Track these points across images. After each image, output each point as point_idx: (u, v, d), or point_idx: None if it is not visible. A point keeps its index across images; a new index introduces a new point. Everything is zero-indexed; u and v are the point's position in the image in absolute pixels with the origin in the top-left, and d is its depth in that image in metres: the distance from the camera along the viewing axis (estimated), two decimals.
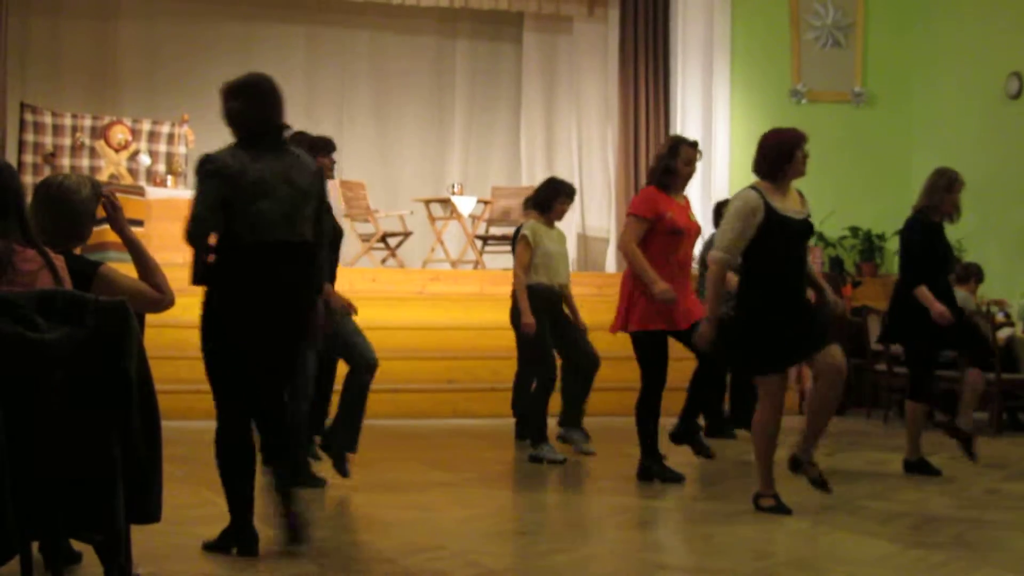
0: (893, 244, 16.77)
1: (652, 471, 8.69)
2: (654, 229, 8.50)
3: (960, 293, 12.20)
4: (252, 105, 6.13)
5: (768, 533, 6.88)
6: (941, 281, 9.34)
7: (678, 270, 8.57)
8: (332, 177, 8.43)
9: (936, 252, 9.29)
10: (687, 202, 8.91)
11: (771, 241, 7.29)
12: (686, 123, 17.51)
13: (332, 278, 8.22)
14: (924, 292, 9.13)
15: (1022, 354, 12.58)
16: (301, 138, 8.88)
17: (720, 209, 11.62)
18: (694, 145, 8.83)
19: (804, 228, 7.47)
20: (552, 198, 10.01)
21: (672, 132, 17.67)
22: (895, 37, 17.39)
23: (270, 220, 6.01)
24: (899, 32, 17.38)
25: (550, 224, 10.05)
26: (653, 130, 17.84)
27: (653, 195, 8.64)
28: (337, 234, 8.43)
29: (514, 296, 10.01)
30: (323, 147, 8.30)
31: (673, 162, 8.68)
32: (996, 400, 11.90)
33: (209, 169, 6.01)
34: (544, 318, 9.72)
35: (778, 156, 7.40)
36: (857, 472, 9.44)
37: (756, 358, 7.36)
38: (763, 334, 7.28)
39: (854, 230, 16.79)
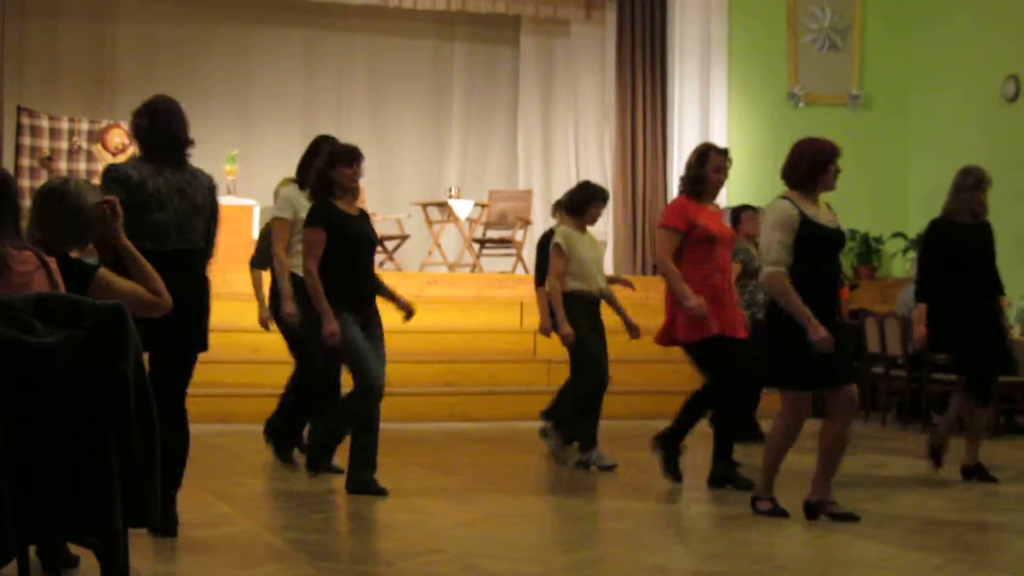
0: (890, 247, 16.81)
1: (668, 463, 8.67)
2: (688, 238, 8.37)
3: None
4: (156, 123, 6.54)
5: (767, 536, 6.88)
6: (970, 283, 9.10)
7: (719, 277, 8.44)
8: (352, 186, 8.31)
9: (962, 253, 9.07)
10: (719, 209, 8.78)
11: (805, 251, 7.13)
12: (683, 126, 17.52)
13: (369, 282, 8.22)
14: (920, 310, 9.04)
15: (1020, 357, 12.57)
16: (326, 143, 8.88)
17: (738, 215, 11.42)
18: (724, 152, 8.63)
19: (838, 238, 7.34)
20: (586, 202, 9.78)
21: (669, 135, 17.72)
22: (892, 40, 17.40)
23: (165, 230, 6.44)
24: (896, 35, 17.39)
25: (582, 229, 9.81)
26: (650, 133, 17.85)
27: (684, 204, 8.51)
28: (372, 240, 8.39)
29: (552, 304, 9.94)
30: (346, 156, 8.21)
31: (703, 170, 8.49)
32: (993, 403, 11.89)
33: (113, 176, 6.47)
34: (586, 322, 9.59)
35: (812, 167, 7.27)
36: (855, 475, 9.43)
37: (783, 372, 7.22)
38: (792, 348, 7.09)
39: (851, 233, 16.80)
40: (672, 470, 8.71)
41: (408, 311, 8.67)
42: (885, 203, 16.83)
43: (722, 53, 17.31)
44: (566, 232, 9.73)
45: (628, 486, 8.73)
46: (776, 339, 7.22)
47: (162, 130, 6.51)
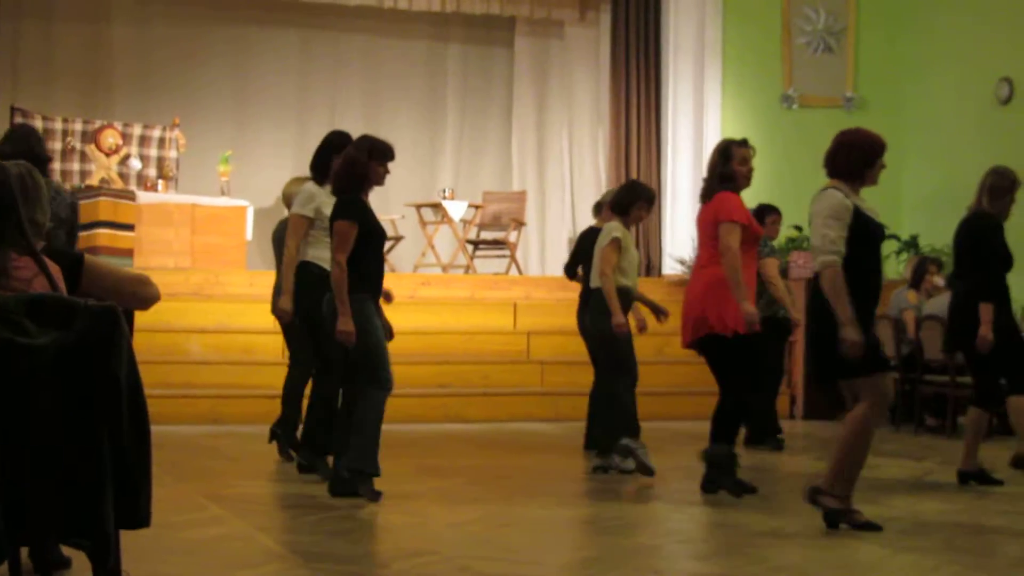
0: (884, 249, 16.80)
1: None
2: (742, 237, 8.15)
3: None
4: (16, 146, 7.16)
5: (761, 539, 6.87)
6: (1004, 284, 8.96)
7: (751, 278, 8.27)
8: (382, 184, 8.37)
9: (1003, 254, 8.93)
10: None
11: (860, 244, 6.97)
12: (677, 128, 17.53)
13: (380, 281, 8.19)
14: (987, 310, 8.84)
15: None
16: (340, 138, 8.90)
17: (761, 216, 11.19)
18: (744, 143, 8.40)
19: (883, 232, 7.21)
20: (630, 203, 9.54)
21: (663, 137, 17.72)
22: (886, 42, 17.41)
23: None
24: (890, 37, 17.40)
25: (628, 228, 9.61)
26: (644, 135, 17.85)
27: (739, 200, 8.26)
28: (380, 235, 8.35)
29: (583, 298, 9.83)
30: (386, 154, 8.26)
31: (729, 167, 8.26)
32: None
33: None
34: (629, 320, 9.46)
35: (861, 159, 7.13)
36: None
37: (868, 359, 6.89)
38: (869, 336, 6.89)
39: None
40: (736, 488, 8.28)
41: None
42: (878, 205, 16.50)
43: (716, 55, 17.32)
44: (623, 228, 9.53)
45: (623, 488, 8.72)
46: (832, 334, 6.90)
47: (23, 152, 6.98)
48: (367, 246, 8.04)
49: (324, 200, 8.89)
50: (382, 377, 7.95)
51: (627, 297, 9.52)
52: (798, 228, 15.16)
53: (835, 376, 7.04)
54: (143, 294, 5.06)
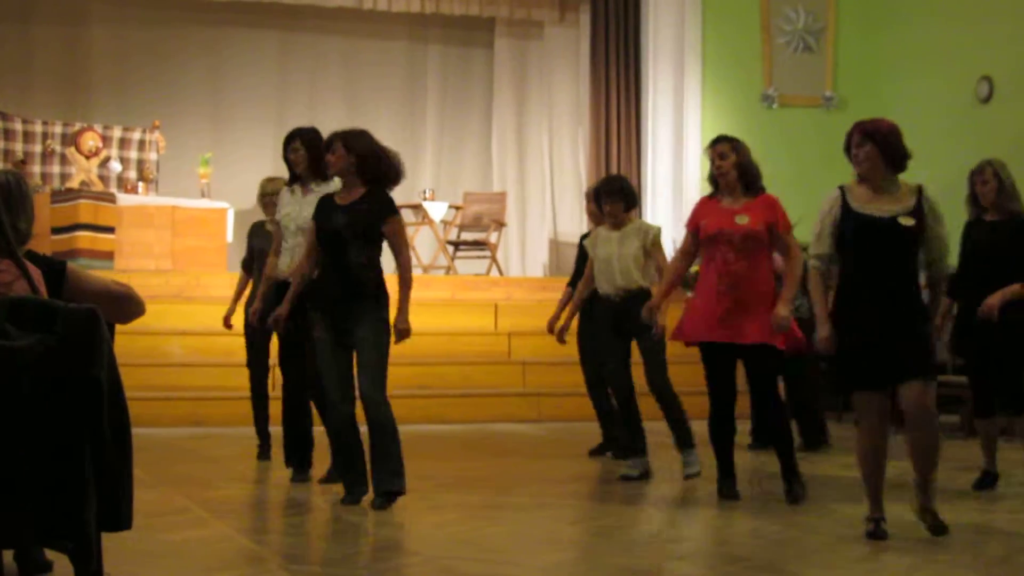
0: None
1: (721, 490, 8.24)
2: (699, 238, 8.15)
3: None
4: None
5: (740, 538, 6.89)
6: (975, 282, 8.72)
7: (717, 279, 8.01)
8: (337, 170, 8.32)
9: (966, 251, 8.89)
10: (754, 203, 8.33)
11: (850, 242, 6.80)
12: (657, 128, 17.54)
13: (338, 279, 8.07)
14: (941, 304, 8.78)
15: None
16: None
17: None
18: (716, 142, 8.47)
19: (891, 227, 6.76)
20: (597, 199, 9.49)
21: (643, 137, 17.75)
22: (866, 41, 17.44)
23: None
24: (870, 36, 17.43)
25: (614, 226, 9.27)
26: (624, 135, 17.88)
27: (698, 204, 8.39)
28: (340, 231, 8.30)
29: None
30: (325, 145, 8.27)
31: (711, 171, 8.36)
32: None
33: None
34: (589, 324, 9.30)
35: (846, 148, 7.05)
36: (827, 476, 9.45)
37: (839, 372, 6.85)
38: (841, 344, 6.74)
39: None
40: (724, 492, 8.17)
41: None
42: None
43: (696, 55, 17.33)
44: (594, 234, 9.45)
45: (605, 490, 8.73)
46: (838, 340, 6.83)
47: None
48: (321, 249, 7.93)
49: (281, 204, 9.00)
50: (326, 405, 7.93)
51: (603, 301, 9.18)
52: None
53: (839, 389, 7.03)
54: (125, 308, 5.07)
